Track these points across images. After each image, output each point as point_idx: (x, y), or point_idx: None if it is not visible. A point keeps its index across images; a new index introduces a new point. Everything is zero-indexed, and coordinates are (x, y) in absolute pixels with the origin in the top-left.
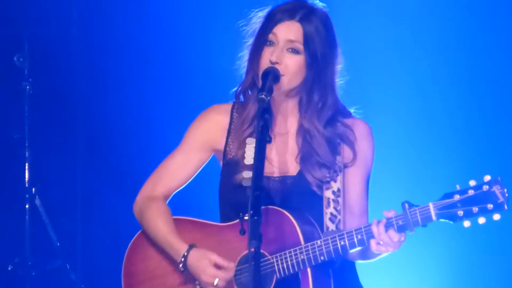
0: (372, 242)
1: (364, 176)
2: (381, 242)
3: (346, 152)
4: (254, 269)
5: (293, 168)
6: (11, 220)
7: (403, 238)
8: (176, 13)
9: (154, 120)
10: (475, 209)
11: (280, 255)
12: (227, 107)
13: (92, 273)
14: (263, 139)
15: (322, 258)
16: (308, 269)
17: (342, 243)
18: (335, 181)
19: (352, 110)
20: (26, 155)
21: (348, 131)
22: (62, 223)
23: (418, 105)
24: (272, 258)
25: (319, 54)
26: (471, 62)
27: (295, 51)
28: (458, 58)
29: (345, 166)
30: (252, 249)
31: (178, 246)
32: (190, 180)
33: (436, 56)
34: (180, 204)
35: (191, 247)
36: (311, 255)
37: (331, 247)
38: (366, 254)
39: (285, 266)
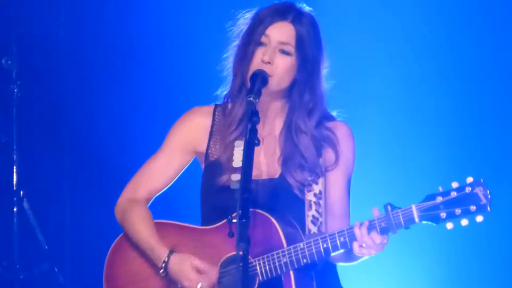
0: (355, 245)
1: (345, 178)
2: (364, 245)
3: (328, 155)
4: (243, 272)
5: (274, 171)
6: None
7: (385, 241)
8: (163, 17)
9: (141, 123)
10: (457, 210)
11: (263, 258)
12: (209, 109)
13: (80, 276)
14: (252, 142)
15: (304, 260)
16: (291, 272)
17: (325, 245)
18: (317, 184)
19: (334, 113)
20: (14, 158)
21: (331, 134)
22: (50, 226)
23: (402, 106)
24: (255, 261)
25: (311, 56)
26: (456, 64)
27: (286, 52)
28: (443, 60)
29: (327, 170)
30: (241, 252)
31: (159, 250)
32: (172, 182)
33: (421, 58)
34: (161, 207)
35: (171, 252)
36: (293, 258)
37: (313, 249)
38: (348, 256)
39: (267, 269)
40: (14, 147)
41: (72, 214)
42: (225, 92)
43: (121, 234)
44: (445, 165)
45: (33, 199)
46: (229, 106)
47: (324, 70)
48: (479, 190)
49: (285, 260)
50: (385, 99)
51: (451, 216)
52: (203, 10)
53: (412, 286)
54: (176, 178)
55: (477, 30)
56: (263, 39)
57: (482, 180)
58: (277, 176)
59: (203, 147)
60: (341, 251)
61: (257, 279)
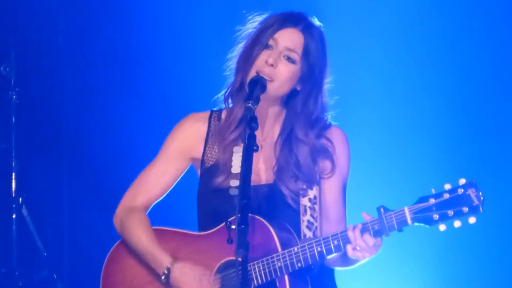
0: (349, 248)
1: (340, 183)
2: (358, 248)
3: (324, 163)
4: (242, 278)
5: (269, 177)
6: None
7: (379, 243)
8: (162, 24)
9: (140, 130)
10: (450, 212)
11: (258, 262)
12: (205, 115)
13: (79, 283)
14: (250, 148)
15: (299, 264)
16: (286, 276)
17: (319, 249)
18: (312, 189)
19: (330, 117)
20: (13, 165)
21: (329, 143)
22: (49, 233)
23: (396, 108)
24: (250, 265)
25: (316, 68)
26: (452, 66)
27: (291, 60)
28: (438, 62)
29: (322, 177)
30: (240, 259)
31: (161, 257)
32: (170, 189)
33: (416, 60)
34: (158, 213)
35: (175, 260)
36: (288, 262)
37: (308, 253)
38: (345, 260)
39: (262, 273)
40: (13, 154)
41: (71, 220)
42: (216, 96)
43: (118, 242)
44: (439, 167)
45: (32, 205)
46: (225, 112)
47: (327, 85)
48: (471, 192)
49: (279, 264)
50: (380, 101)
51: (443, 218)
52: (202, 15)
53: None
54: (174, 185)
55: (475, 31)
56: (271, 42)
57: (474, 181)
58: (271, 182)
59: (199, 154)
60: (336, 254)
61: (252, 283)
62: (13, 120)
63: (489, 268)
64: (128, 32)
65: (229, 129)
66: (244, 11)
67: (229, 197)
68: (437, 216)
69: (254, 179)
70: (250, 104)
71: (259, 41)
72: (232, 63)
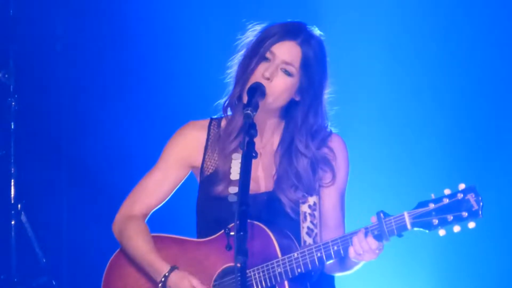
0: (351, 250)
1: (338, 190)
2: (361, 251)
3: (325, 172)
4: (241, 284)
5: (268, 185)
6: None
7: (381, 247)
8: (161, 30)
9: (139, 135)
10: (450, 217)
11: (258, 268)
12: (204, 123)
13: None
14: (249, 155)
15: (299, 270)
16: (286, 282)
17: (319, 254)
18: (311, 196)
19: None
20: (12, 171)
21: (330, 153)
22: (48, 239)
23: (397, 111)
24: (250, 271)
25: (316, 79)
26: (452, 69)
27: (288, 73)
28: (439, 65)
29: (322, 186)
30: (239, 265)
31: (159, 265)
32: (169, 197)
33: (415, 67)
34: (158, 220)
35: (172, 268)
36: (288, 268)
37: (307, 259)
38: (342, 265)
39: (262, 279)
40: (12, 161)
41: (70, 227)
42: (216, 103)
43: (119, 249)
44: (439, 171)
45: (31, 212)
46: (225, 120)
47: (327, 96)
48: (471, 197)
49: (279, 270)
50: (380, 106)
51: (443, 223)
52: (202, 20)
53: None
54: (173, 193)
55: (476, 32)
56: (268, 54)
57: (474, 186)
58: (271, 190)
59: (198, 162)
60: (334, 260)
61: None
62: (12, 126)
63: (490, 270)
64: (127, 38)
65: (229, 139)
66: (244, 20)
67: (228, 205)
68: (437, 221)
69: (254, 187)
70: (249, 111)
71: (257, 53)
72: (232, 71)
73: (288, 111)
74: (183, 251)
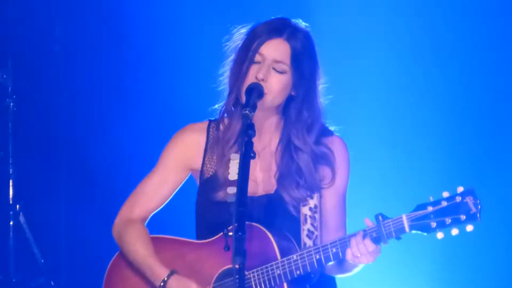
0: (349, 252)
1: (339, 191)
2: (358, 254)
3: (324, 172)
4: (239, 286)
5: (271, 186)
6: None
7: (378, 250)
8: (160, 31)
9: (138, 136)
10: (448, 220)
11: (257, 270)
12: (203, 125)
13: None
14: (247, 155)
15: (298, 272)
16: (285, 284)
17: (318, 256)
18: (312, 198)
19: (333, 128)
20: (10, 172)
21: (329, 151)
22: (46, 240)
23: (395, 115)
24: (250, 273)
25: (307, 72)
26: (452, 70)
27: (280, 71)
28: (439, 67)
29: (322, 187)
30: (237, 266)
31: (157, 269)
32: (168, 200)
33: (413, 68)
34: (157, 221)
35: (172, 273)
36: (287, 270)
37: (306, 261)
38: (341, 267)
39: (261, 281)
40: (10, 161)
41: (68, 228)
42: (212, 107)
43: (118, 252)
44: (439, 173)
45: (29, 213)
46: (225, 121)
47: (321, 86)
48: (469, 200)
49: (278, 272)
50: (379, 107)
51: (441, 226)
52: (200, 21)
53: None
54: (172, 195)
55: (478, 33)
56: (257, 57)
57: (472, 189)
58: (272, 191)
59: (198, 165)
60: (334, 262)
61: None
62: (10, 127)
63: (489, 272)
64: (125, 40)
65: (228, 145)
66: (241, 21)
67: (227, 207)
68: (435, 223)
69: (254, 190)
70: (247, 112)
71: (246, 58)
72: (224, 78)
73: (285, 109)
74: (183, 253)
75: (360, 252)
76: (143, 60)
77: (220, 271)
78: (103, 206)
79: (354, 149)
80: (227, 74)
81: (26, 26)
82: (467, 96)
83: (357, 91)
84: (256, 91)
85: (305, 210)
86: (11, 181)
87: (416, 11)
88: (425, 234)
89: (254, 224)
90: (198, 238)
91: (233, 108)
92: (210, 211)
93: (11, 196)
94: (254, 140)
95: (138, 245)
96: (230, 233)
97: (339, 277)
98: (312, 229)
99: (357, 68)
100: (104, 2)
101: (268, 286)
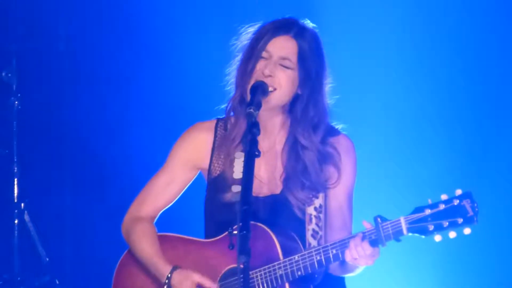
0: (347, 254)
1: (345, 192)
2: (357, 256)
3: (330, 171)
4: (243, 285)
5: (276, 186)
6: (0, 235)
7: (376, 253)
8: (164, 29)
9: (143, 134)
10: (445, 223)
11: (260, 270)
12: (211, 124)
13: None
14: (252, 153)
15: (299, 273)
16: (287, 284)
17: (318, 257)
18: (317, 198)
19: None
20: (15, 171)
21: (334, 151)
22: (51, 238)
23: (395, 117)
24: (253, 273)
25: (313, 71)
26: (455, 70)
27: (286, 67)
28: (442, 67)
29: (328, 187)
30: (241, 265)
31: (162, 268)
32: (176, 198)
33: (418, 68)
34: (166, 220)
35: (174, 268)
36: (288, 270)
37: (307, 262)
38: (344, 268)
39: (264, 281)
40: (15, 160)
41: (73, 226)
42: (220, 107)
43: (128, 248)
44: (440, 175)
45: (34, 211)
46: (232, 120)
47: (328, 86)
48: (466, 203)
49: (280, 272)
50: (382, 108)
51: (438, 229)
52: (206, 19)
53: None
54: (180, 194)
55: (478, 33)
56: (264, 54)
57: (470, 192)
58: (278, 192)
59: (206, 163)
60: (335, 263)
61: None
62: (15, 125)
63: (491, 273)
64: (130, 38)
65: (233, 144)
66: (238, 26)
67: (234, 207)
68: (432, 226)
69: (259, 190)
70: (252, 110)
71: (253, 54)
72: (231, 77)
73: (291, 108)
74: (189, 251)
75: (359, 255)
76: (148, 57)
77: (225, 270)
78: (108, 204)
79: (357, 148)
80: (234, 73)
81: (30, 24)
82: (467, 99)
83: (355, 94)
84: (260, 89)
85: (310, 210)
86: (16, 179)
87: (423, 12)
88: (423, 236)
89: (258, 224)
90: (206, 237)
91: (238, 107)
92: (217, 210)
93: (16, 194)
94: (260, 139)
95: (144, 244)
96: (235, 232)
97: (347, 276)
98: (317, 229)
99: (360, 70)
100: (108, 0)
101: (270, 286)
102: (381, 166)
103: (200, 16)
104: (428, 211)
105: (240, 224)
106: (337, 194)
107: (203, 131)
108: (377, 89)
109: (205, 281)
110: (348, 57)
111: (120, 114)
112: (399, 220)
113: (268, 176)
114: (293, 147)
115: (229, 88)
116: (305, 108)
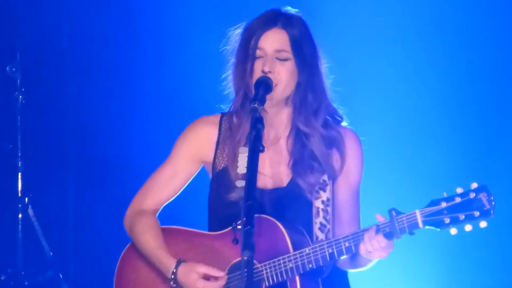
0: (362, 246)
1: (352, 185)
2: (371, 249)
3: (335, 157)
4: (247, 279)
5: (281, 180)
6: (4, 230)
7: (390, 245)
8: (166, 26)
9: (146, 130)
10: (461, 216)
11: (269, 263)
12: (215, 118)
13: (84, 283)
14: (256, 149)
15: (310, 266)
16: (297, 277)
17: (330, 250)
18: (324, 191)
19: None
20: (19, 165)
21: (338, 136)
22: (55, 233)
23: (408, 107)
24: (261, 266)
25: (308, 55)
26: (461, 66)
27: (284, 59)
28: (448, 63)
29: (336, 174)
30: (245, 258)
31: (166, 261)
32: (179, 192)
33: (426, 63)
34: (170, 213)
35: (179, 262)
36: (299, 263)
37: (319, 255)
38: (353, 262)
39: (273, 274)
40: (19, 154)
41: (76, 220)
42: (223, 107)
43: (130, 243)
44: (453, 169)
45: (38, 206)
46: (235, 119)
47: (323, 66)
48: (483, 196)
49: (290, 265)
50: (393, 103)
51: (454, 222)
52: (207, 19)
53: None
54: (184, 188)
55: (480, 33)
56: (258, 52)
57: (486, 185)
58: (284, 185)
59: (210, 157)
60: (346, 256)
61: (264, 284)
62: (19, 120)
63: (499, 270)
64: (134, 35)
65: (238, 138)
66: (222, 30)
67: (238, 202)
68: (448, 219)
69: (264, 184)
70: (256, 105)
71: (247, 55)
72: (228, 82)
73: (294, 98)
74: (194, 244)
75: (373, 247)
76: (152, 54)
77: (230, 264)
78: (112, 199)
79: (367, 144)
80: (230, 77)
81: (35, 20)
82: (482, 91)
83: (367, 87)
84: (264, 84)
85: (317, 203)
86: (19, 174)
87: (425, 10)
88: (438, 229)
89: (267, 217)
90: (210, 229)
91: (241, 110)
92: (221, 205)
93: (19, 189)
94: (266, 134)
95: (148, 236)
96: (239, 227)
97: (351, 271)
98: (324, 222)
99: (367, 65)
100: None
101: (280, 279)
102: (393, 160)
103: (205, 12)
104: (444, 204)
105: (244, 219)
106: (345, 188)
107: (208, 124)
108: (391, 82)
109: (212, 271)
110: (354, 54)
111: (123, 109)
112: (415, 213)
113: (273, 170)
114: (297, 136)
115: (227, 92)
116: (304, 94)
